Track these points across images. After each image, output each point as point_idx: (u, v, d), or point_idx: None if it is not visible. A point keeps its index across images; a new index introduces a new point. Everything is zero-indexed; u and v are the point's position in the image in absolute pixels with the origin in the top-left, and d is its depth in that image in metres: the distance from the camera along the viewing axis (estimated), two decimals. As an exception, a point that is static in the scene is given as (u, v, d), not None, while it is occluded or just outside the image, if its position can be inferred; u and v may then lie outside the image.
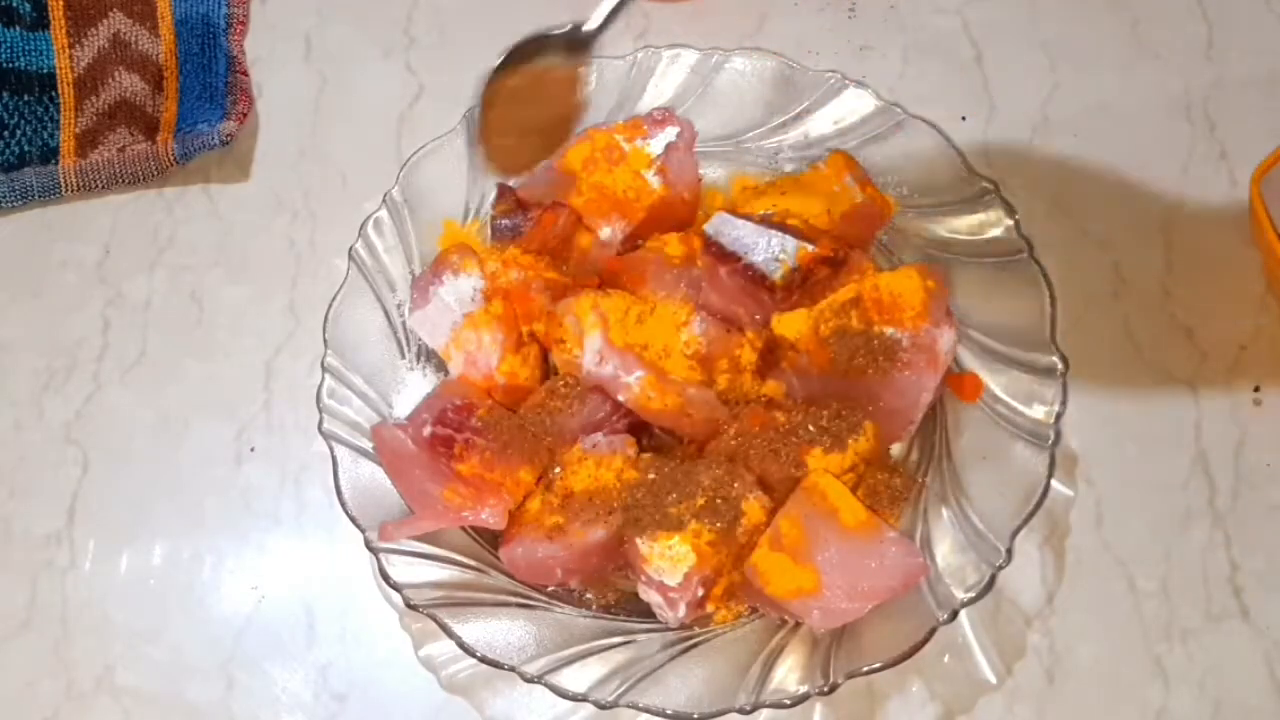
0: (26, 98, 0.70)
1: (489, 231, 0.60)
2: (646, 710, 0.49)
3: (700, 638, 0.52)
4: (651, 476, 0.53)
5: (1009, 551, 0.50)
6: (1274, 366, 0.61)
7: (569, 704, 0.52)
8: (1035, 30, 0.72)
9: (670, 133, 0.61)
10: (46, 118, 0.70)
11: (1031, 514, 0.51)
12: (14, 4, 0.70)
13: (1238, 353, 0.62)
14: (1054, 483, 0.52)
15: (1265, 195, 0.57)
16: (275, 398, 0.64)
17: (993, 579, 0.50)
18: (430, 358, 0.59)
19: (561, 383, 0.56)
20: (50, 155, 0.69)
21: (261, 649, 0.58)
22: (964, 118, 0.69)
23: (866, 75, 0.66)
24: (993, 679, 0.55)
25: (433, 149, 0.61)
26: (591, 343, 0.54)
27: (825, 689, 0.48)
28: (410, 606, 0.51)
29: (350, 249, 0.58)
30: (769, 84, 0.62)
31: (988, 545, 0.51)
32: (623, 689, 0.49)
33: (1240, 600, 0.56)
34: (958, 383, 0.56)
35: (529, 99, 0.60)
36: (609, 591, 0.54)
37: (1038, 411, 0.53)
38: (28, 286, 0.67)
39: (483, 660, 0.50)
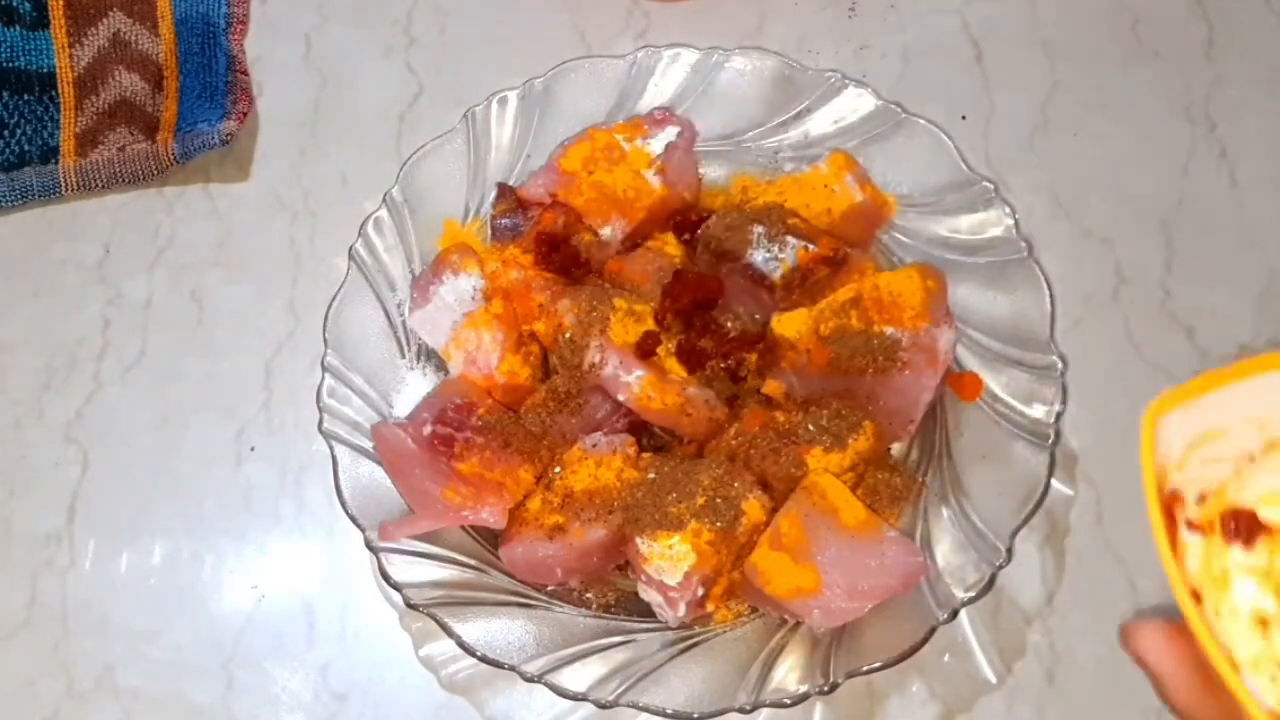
0: (26, 97, 0.70)
1: (489, 231, 0.60)
2: (646, 710, 0.49)
3: (700, 637, 0.52)
4: (651, 476, 0.52)
5: (1009, 551, 0.50)
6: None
7: (569, 703, 0.52)
8: (1035, 30, 0.71)
9: (670, 132, 0.60)
10: (46, 117, 0.70)
11: (1031, 513, 0.51)
12: (14, 3, 0.70)
13: (1238, 352, 0.62)
14: (1054, 482, 0.52)
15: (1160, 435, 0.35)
16: (275, 397, 0.64)
17: (993, 578, 0.50)
18: (430, 357, 0.59)
19: (561, 382, 0.56)
20: (50, 155, 0.69)
21: (261, 649, 0.58)
22: (964, 117, 0.69)
23: (866, 75, 0.66)
24: (993, 679, 0.55)
25: (433, 149, 0.61)
26: (591, 342, 0.54)
27: (825, 688, 0.48)
28: (410, 606, 0.51)
29: (350, 249, 0.58)
30: (769, 83, 0.62)
31: (988, 544, 0.51)
32: (623, 688, 0.49)
33: (1240, 600, 0.56)
34: (958, 382, 0.55)
35: None
36: (609, 591, 0.54)
37: (1037, 411, 0.53)
38: (28, 286, 0.67)
39: (483, 660, 0.50)
